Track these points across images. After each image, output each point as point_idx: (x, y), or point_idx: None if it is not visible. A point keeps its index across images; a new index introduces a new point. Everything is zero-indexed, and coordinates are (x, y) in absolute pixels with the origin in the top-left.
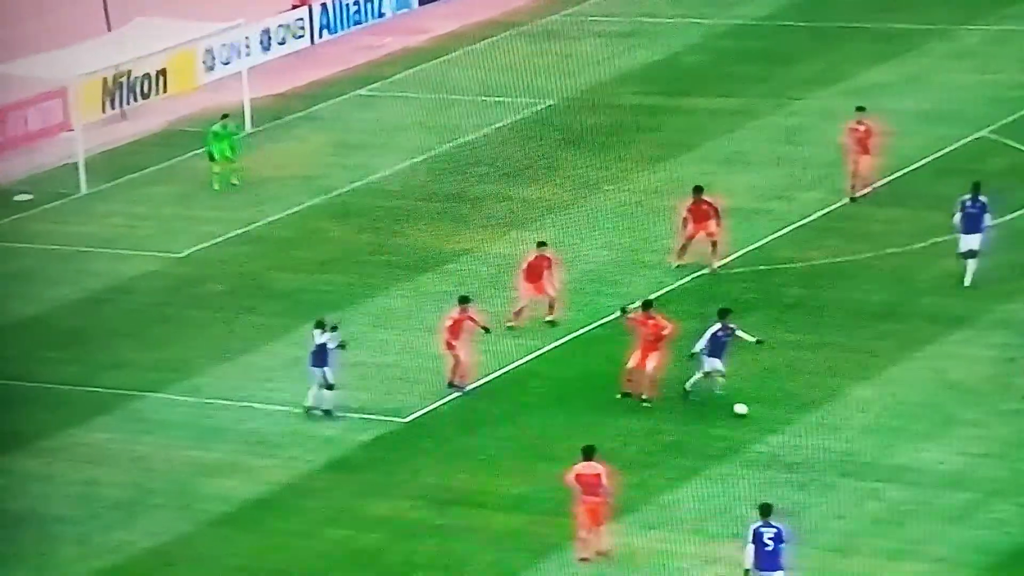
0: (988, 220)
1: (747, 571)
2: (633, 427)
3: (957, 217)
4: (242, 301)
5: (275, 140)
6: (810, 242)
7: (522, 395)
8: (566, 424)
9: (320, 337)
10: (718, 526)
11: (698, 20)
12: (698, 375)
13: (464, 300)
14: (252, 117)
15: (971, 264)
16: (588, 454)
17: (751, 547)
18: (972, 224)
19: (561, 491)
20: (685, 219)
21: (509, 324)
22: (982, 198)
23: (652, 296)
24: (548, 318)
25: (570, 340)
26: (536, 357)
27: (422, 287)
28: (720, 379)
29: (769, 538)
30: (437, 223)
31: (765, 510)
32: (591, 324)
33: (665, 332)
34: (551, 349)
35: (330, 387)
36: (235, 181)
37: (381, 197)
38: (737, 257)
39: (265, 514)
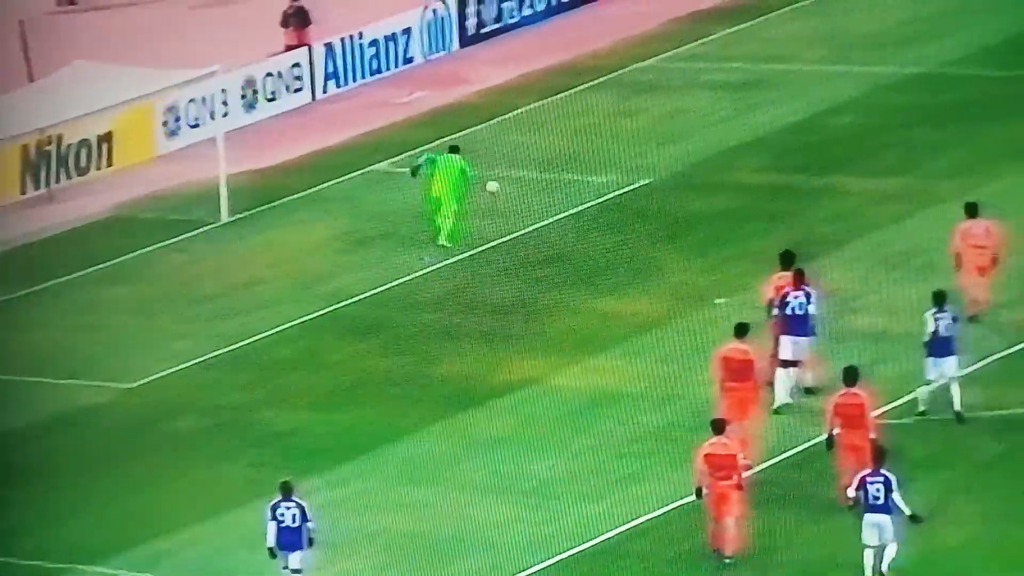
0: None
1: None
2: None
3: None
4: (222, 443)
5: (262, 229)
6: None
7: None
8: None
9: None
10: None
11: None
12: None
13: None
14: (229, 200)
15: None
16: (719, 428)
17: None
18: None
19: None
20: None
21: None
22: None
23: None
24: None
25: None
26: None
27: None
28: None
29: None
30: (483, 345)
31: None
32: None
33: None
34: None
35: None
36: (444, 241)
37: (407, 308)
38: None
39: None
